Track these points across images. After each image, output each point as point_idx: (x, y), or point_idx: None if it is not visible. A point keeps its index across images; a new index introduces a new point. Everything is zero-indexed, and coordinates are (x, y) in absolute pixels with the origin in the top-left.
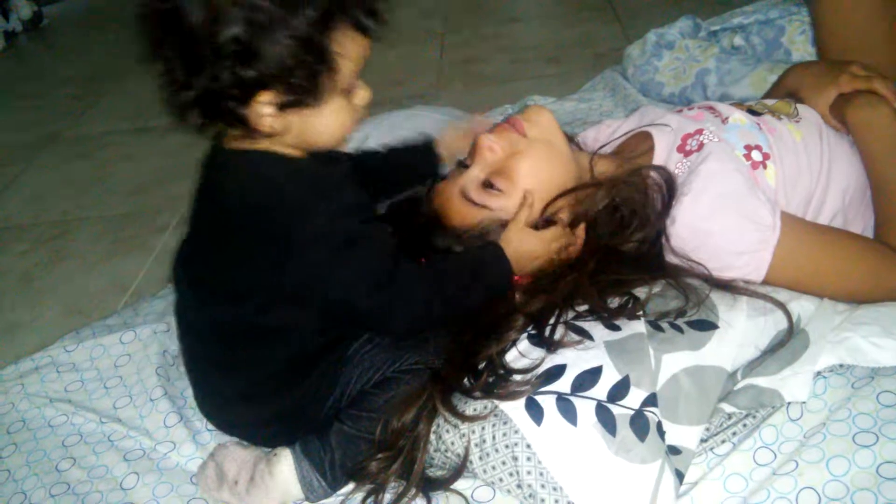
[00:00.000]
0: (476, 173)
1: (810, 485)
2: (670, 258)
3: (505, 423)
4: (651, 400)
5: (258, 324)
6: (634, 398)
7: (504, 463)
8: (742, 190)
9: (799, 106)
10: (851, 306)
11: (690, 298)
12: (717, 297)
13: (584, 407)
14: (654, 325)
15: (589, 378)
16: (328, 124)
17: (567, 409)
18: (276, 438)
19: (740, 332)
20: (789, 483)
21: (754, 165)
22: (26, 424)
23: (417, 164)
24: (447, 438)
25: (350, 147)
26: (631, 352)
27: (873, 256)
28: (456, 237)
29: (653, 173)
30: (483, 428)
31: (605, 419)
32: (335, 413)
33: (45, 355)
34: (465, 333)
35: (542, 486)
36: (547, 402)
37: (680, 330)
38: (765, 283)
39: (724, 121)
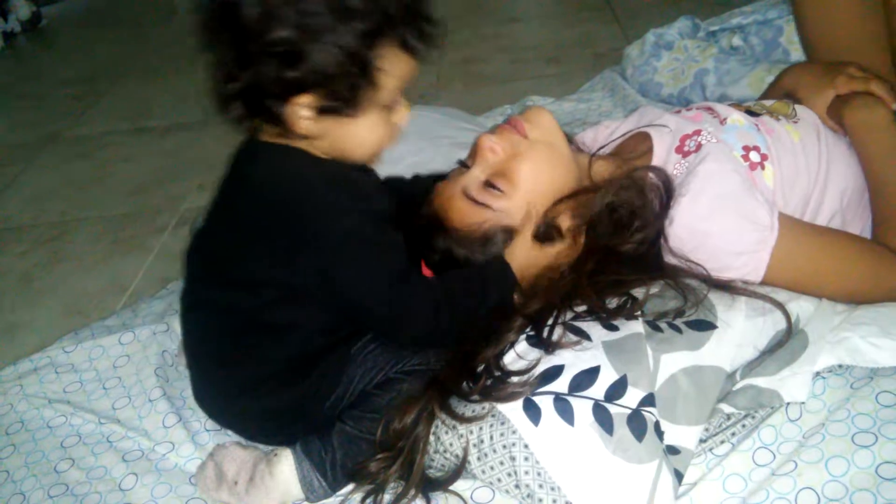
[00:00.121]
0: (477, 174)
1: (809, 485)
2: (669, 258)
3: (503, 424)
4: (648, 400)
5: (266, 319)
6: (632, 398)
7: (502, 463)
8: (740, 190)
9: (797, 107)
10: (850, 307)
11: (689, 299)
12: (715, 298)
13: (582, 407)
14: (653, 325)
15: (586, 378)
16: (364, 136)
17: (564, 408)
18: (274, 435)
19: (739, 332)
20: (788, 483)
21: (752, 166)
22: (25, 425)
23: None
24: (445, 440)
25: (382, 169)
26: (629, 352)
27: (871, 257)
28: (456, 239)
29: (650, 174)
30: (481, 428)
31: (603, 419)
32: (335, 412)
33: (43, 356)
34: (465, 337)
35: (540, 486)
36: (544, 402)
37: (678, 330)
38: (763, 283)
39: (723, 122)
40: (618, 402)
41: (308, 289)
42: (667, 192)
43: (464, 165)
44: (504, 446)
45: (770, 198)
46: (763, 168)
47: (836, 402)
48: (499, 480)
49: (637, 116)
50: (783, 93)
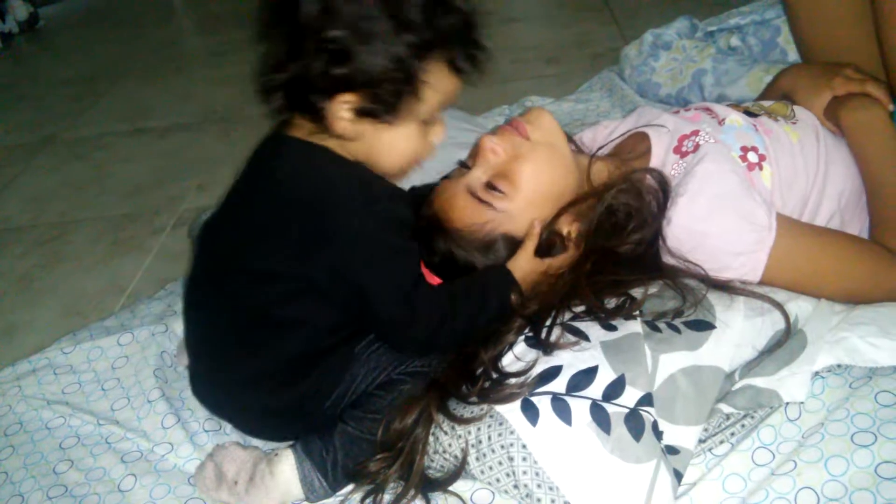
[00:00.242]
0: (479, 174)
1: (809, 485)
2: (667, 259)
3: (501, 424)
4: (646, 400)
5: (273, 314)
6: (629, 397)
7: (500, 463)
8: (738, 191)
9: (795, 108)
10: (848, 307)
11: (687, 299)
12: (714, 298)
13: (579, 406)
14: (652, 325)
15: (584, 378)
16: (398, 146)
17: (562, 408)
18: (274, 432)
19: (737, 332)
20: (788, 483)
21: (750, 167)
22: (23, 427)
23: None
24: (444, 440)
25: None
26: (627, 351)
27: (869, 257)
28: (457, 240)
29: (648, 176)
30: (479, 429)
31: (600, 418)
32: (336, 412)
33: (42, 357)
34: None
35: (539, 486)
36: (542, 402)
37: (677, 330)
38: (762, 283)
39: (721, 122)
40: (615, 401)
41: (320, 286)
42: (664, 193)
43: (464, 166)
44: (502, 446)
45: (768, 198)
46: (761, 168)
47: (835, 401)
48: (497, 481)
49: (635, 117)
50: (780, 94)
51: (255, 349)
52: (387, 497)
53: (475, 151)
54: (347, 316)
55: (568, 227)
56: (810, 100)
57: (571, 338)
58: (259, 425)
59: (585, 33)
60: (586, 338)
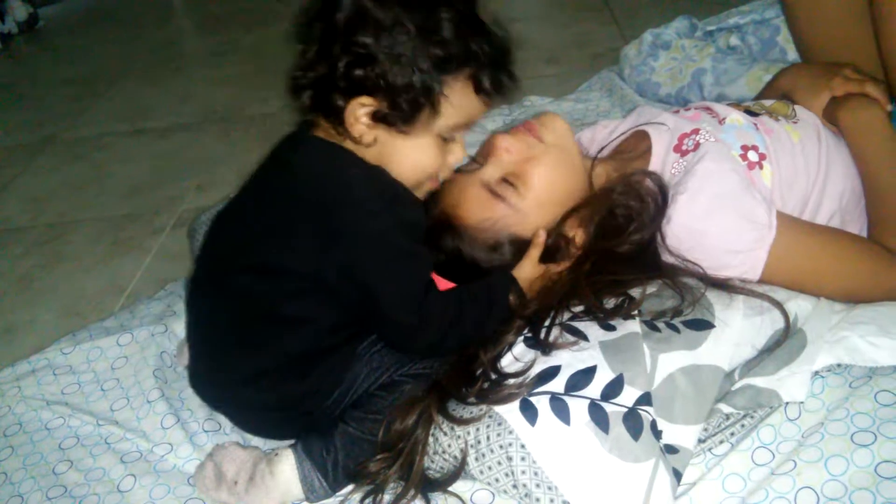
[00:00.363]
0: (493, 171)
1: (809, 484)
2: (666, 258)
3: (500, 424)
4: (645, 399)
5: (281, 309)
6: (628, 396)
7: (500, 463)
8: (738, 189)
9: (797, 107)
10: (848, 306)
11: (686, 298)
12: (713, 297)
13: (578, 406)
14: (650, 324)
15: (583, 378)
16: (412, 157)
17: (560, 408)
18: (271, 429)
19: (737, 331)
20: (788, 483)
21: (750, 166)
22: (23, 427)
23: None
24: (444, 441)
25: None
26: (625, 351)
27: (869, 256)
28: (466, 237)
29: (647, 179)
30: (478, 429)
31: (599, 417)
32: (335, 411)
33: (41, 358)
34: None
35: (537, 486)
36: (541, 402)
37: (676, 329)
38: (761, 282)
39: (721, 121)
40: (614, 401)
41: (330, 285)
42: (662, 194)
43: (475, 162)
44: (501, 446)
45: (768, 197)
46: (761, 167)
47: (834, 401)
48: (496, 480)
49: (635, 116)
50: (780, 94)
51: (258, 345)
52: (386, 497)
53: (487, 149)
54: (352, 316)
55: (574, 231)
56: (809, 100)
57: (570, 338)
58: (258, 422)
59: (585, 33)
60: (585, 338)
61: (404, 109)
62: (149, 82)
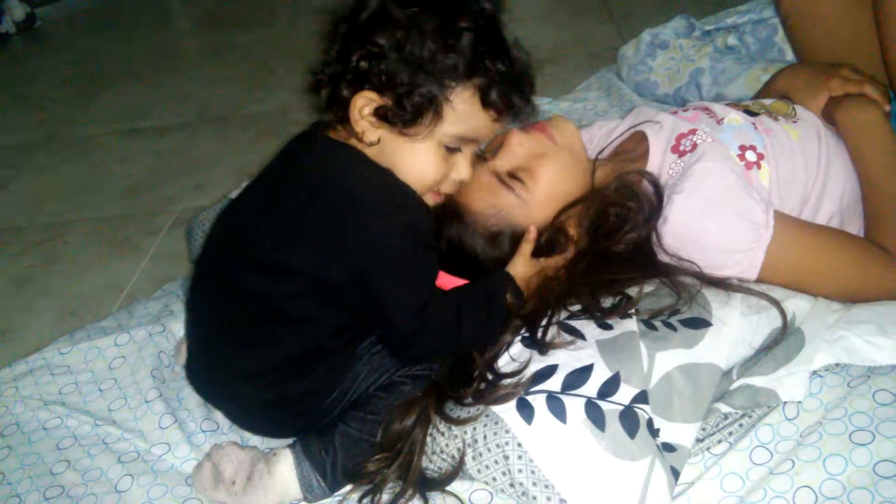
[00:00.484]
0: (503, 162)
1: (807, 483)
2: (663, 257)
3: (496, 423)
4: (641, 397)
5: (286, 309)
6: (624, 395)
7: (496, 462)
8: (735, 189)
9: (797, 107)
10: (846, 305)
11: (683, 296)
12: (710, 295)
13: (574, 404)
14: (648, 323)
15: (580, 376)
16: (413, 164)
17: (557, 407)
18: (270, 426)
19: (734, 329)
20: (786, 482)
21: (748, 166)
22: (20, 427)
23: None
24: (441, 441)
25: None
26: (622, 349)
27: (866, 256)
28: (469, 225)
29: (642, 179)
30: (475, 429)
31: (595, 416)
32: (334, 411)
33: (39, 357)
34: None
35: (534, 484)
36: (537, 401)
37: (673, 328)
38: (759, 281)
39: (720, 121)
40: (610, 399)
41: (336, 287)
42: (657, 194)
43: (482, 157)
44: (497, 445)
45: (766, 197)
46: (759, 168)
47: (833, 400)
48: (493, 480)
49: (632, 117)
50: (778, 94)
51: (259, 343)
52: (385, 497)
53: (496, 145)
54: (355, 319)
55: (573, 228)
56: (807, 101)
57: (568, 337)
58: (255, 420)
59: (583, 33)
60: (582, 337)
61: (407, 109)
62: (146, 82)
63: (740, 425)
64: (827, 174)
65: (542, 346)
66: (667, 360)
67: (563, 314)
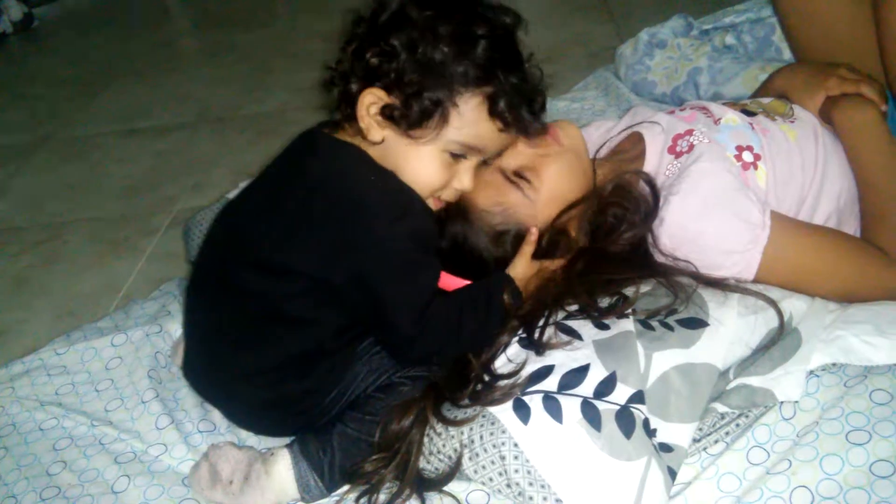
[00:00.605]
0: (510, 161)
1: (804, 483)
2: (659, 258)
3: (493, 424)
4: (637, 397)
5: (287, 309)
6: (620, 394)
7: (493, 462)
8: (732, 190)
9: (794, 106)
10: (842, 305)
11: (680, 296)
12: (707, 295)
13: (570, 404)
14: (644, 323)
15: (576, 376)
16: (416, 167)
17: (553, 407)
18: (267, 425)
19: (731, 329)
20: (783, 482)
21: (745, 166)
22: (17, 428)
23: None
24: (438, 442)
25: None
26: (619, 349)
27: (863, 257)
28: (473, 222)
29: (638, 180)
30: (472, 429)
31: (591, 415)
32: (332, 410)
33: (35, 358)
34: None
35: (530, 484)
36: (534, 401)
37: (670, 328)
38: (756, 281)
39: (717, 121)
40: (606, 398)
41: (337, 289)
42: (653, 194)
43: (484, 163)
44: (494, 445)
45: (762, 197)
46: (756, 168)
47: (829, 400)
48: (490, 480)
49: (629, 117)
50: (775, 94)
51: (259, 343)
52: (382, 497)
53: None
54: (356, 320)
55: (573, 229)
56: (804, 100)
57: (564, 337)
58: (255, 419)
59: (581, 32)
60: (579, 337)
61: (414, 110)
62: (144, 82)
63: (737, 425)
64: (824, 174)
65: (539, 347)
66: (663, 360)
67: (560, 314)
